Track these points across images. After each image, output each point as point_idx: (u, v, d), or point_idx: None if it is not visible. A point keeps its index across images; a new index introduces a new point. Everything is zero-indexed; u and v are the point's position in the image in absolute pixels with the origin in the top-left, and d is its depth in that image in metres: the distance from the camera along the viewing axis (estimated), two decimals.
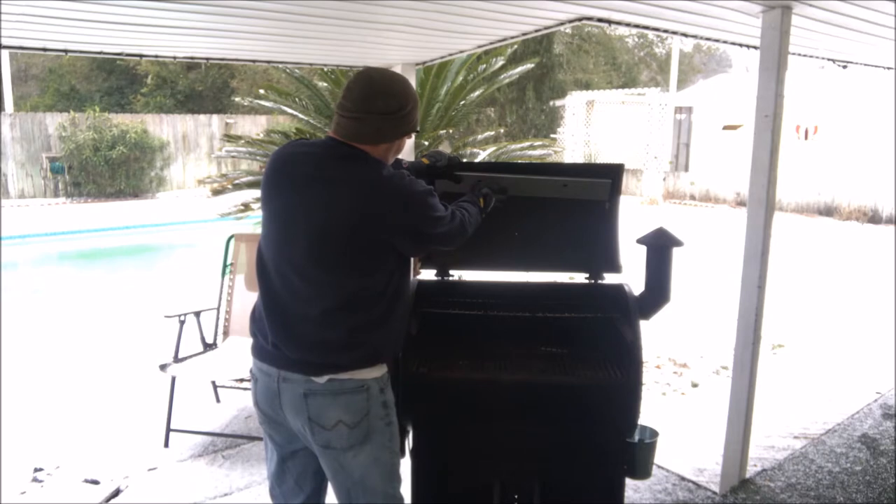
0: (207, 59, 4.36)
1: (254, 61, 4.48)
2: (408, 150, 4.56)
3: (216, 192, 6.27)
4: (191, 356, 3.69)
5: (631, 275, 2.34)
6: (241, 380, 3.54)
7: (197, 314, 3.81)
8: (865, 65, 4.88)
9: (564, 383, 2.14)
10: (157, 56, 4.03)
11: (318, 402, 1.76)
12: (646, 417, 2.32)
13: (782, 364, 4.95)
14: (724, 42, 3.79)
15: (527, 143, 6.73)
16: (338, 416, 1.76)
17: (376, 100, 1.75)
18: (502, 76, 6.51)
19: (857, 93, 13.97)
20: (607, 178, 2.39)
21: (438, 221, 1.82)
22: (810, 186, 14.50)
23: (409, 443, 2.23)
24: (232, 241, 4.10)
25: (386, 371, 1.86)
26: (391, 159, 1.87)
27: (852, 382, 4.53)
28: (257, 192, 6.02)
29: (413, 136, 1.91)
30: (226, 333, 3.97)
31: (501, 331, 2.38)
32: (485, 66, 6.09)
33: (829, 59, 4.65)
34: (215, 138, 18.36)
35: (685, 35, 3.68)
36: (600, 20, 3.17)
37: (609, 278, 2.39)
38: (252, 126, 18.08)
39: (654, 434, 2.58)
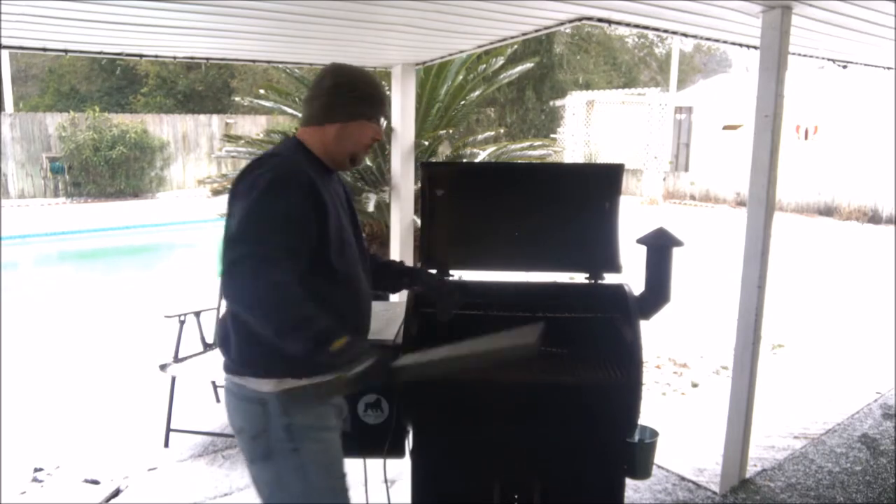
0: (207, 59, 4.36)
1: (254, 61, 4.48)
2: (407, 151, 4.56)
3: (216, 192, 6.27)
4: (191, 356, 3.69)
5: (631, 275, 2.34)
6: None
7: (197, 314, 3.81)
8: (865, 65, 4.88)
9: (564, 383, 2.13)
10: (157, 56, 4.04)
11: (228, 400, 1.73)
12: (646, 417, 2.32)
13: (782, 364, 4.95)
14: (724, 42, 3.79)
15: (527, 143, 6.73)
16: (240, 421, 1.70)
17: (326, 78, 1.75)
18: (502, 76, 6.52)
19: (857, 93, 13.98)
20: (607, 178, 2.39)
21: (236, 243, 1.53)
22: (810, 186, 14.51)
23: (409, 443, 2.23)
24: None
25: (293, 389, 1.64)
26: (342, 149, 1.74)
27: (852, 382, 4.53)
28: None
29: (370, 128, 1.75)
30: None
31: (501, 331, 2.37)
32: (485, 66, 6.09)
33: (829, 59, 4.65)
34: (215, 138, 18.37)
35: (685, 35, 3.68)
36: (600, 20, 3.17)
37: (609, 278, 2.39)
38: (252, 126, 18.09)
39: (654, 434, 2.58)
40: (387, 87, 5.62)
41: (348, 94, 1.72)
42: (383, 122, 1.82)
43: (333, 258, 1.67)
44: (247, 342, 1.65)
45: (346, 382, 1.49)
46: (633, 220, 7.38)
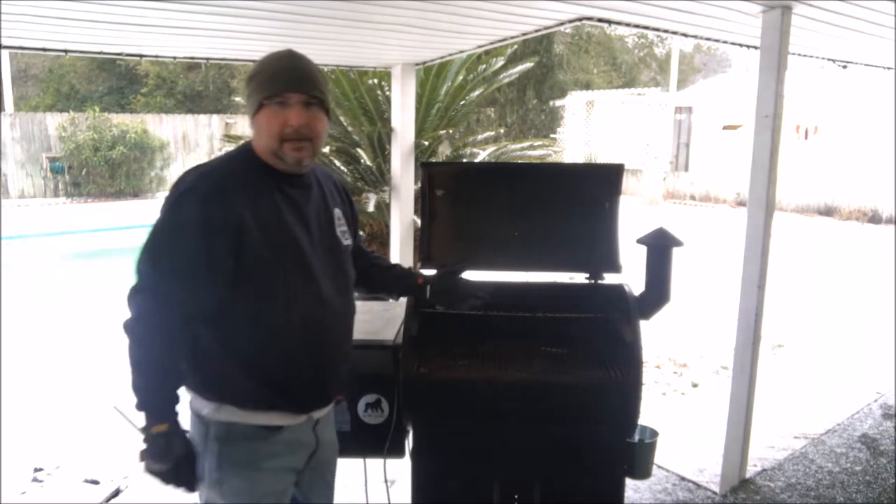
0: (207, 59, 4.36)
1: (254, 61, 4.47)
2: (407, 151, 4.56)
3: None
4: None
5: (631, 275, 2.34)
6: None
7: None
8: (865, 65, 4.88)
9: (564, 383, 2.13)
10: (157, 56, 4.04)
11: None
12: (646, 417, 2.32)
13: (782, 364, 4.95)
14: (724, 42, 3.79)
15: (527, 143, 6.74)
16: (192, 433, 1.59)
17: None
18: (502, 76, 6.52)
19: (858, 93, 13.97)
20: (607, 178, 2.40)
21: (135, 271, 1.48)
22: (810, 186, 14.50)
23: (409, 443, 2.23)
24: None
25: (232, 421, 1.55)
26: (262, 146, 1.58)
27: (852, 382, 4.53)
28: None
29: (274, 113, 1.54)
30: None
31: (501, 331, 2.38)
32: (485, 66, 6.09)
33: (829, 59, 4.65)
34: (215, 138, 18.35)
35: (685, 35, 3.68)
36: (600, 20, 3.17)
37: (609, 278, 2.39)
38: None
39: (654, 434, 2.59)
40: (387, 87, 5.63)
41: (249, 87, 1.59)
42: (299, 102, 1.53)
43: (258, 273, 1.51)
44: (192, 357, 1.54)
45: (144, 467, 1.48)
46: (633, 220, 7.38)
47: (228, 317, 1.52)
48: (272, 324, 1.55)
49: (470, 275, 2.32)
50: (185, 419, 1.55)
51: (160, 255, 1.48)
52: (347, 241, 1.75)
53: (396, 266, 2.06)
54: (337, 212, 1.73)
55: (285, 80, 1.53)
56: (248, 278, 1.50)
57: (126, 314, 1.47)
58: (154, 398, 1.48)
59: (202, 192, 1.49)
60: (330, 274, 1.64)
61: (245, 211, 1.48)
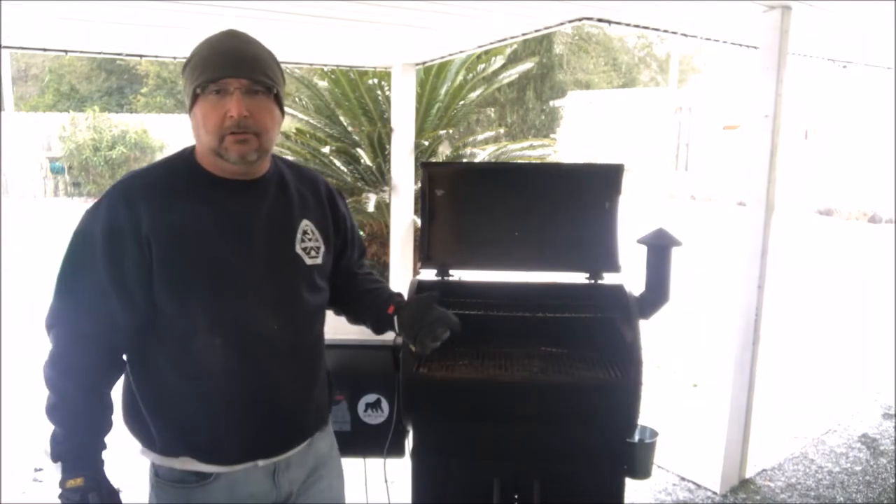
0: None
1: None
2: (407, 151, 4.56)
3: None
4: None
5: (631, 275, 2.34)
6: None
7: None
8: (865, 65, 4.88)
9: (564, 383, 2.13)
10: (157, 56, 4.04)
11: None
12: (646, 417, 2.32)
13: (782, 364, 4.95)
14: (724, 42, 3.79)
15: (527, 143, 6.74)
16: None
17: None
18: (502, 76, 6.53)
19: (857, 93, 13.98)
20: (607, 178, 2.40)
21: (55, 288, 1.30)
22: (810, 186, 14.51)
23: (409, 443, 2.23)
24: None
25: (155, 464, 1.42)
26: (201, 144, 1.34)
27: (852, 382, 4.53)
28: None
29: (210, 104, 1.27)
30: None
31: (501, 331, 2.38)
32: (485, 66, 6.10)
33: (829, 59, 4.66)
34: None
35: (685, 35, 3.69)
36: (600, 20, 3.17)
37: (609, 278, 2.39)
38: None
39: (654, 434, 2.59)
40: (387, 87, 5.63)
41: (183, 76, 1.33)
42: (240, 89, 1.25)
43: (170, 298, 1.29)
44: (127, 390, 1.40)
45: None
46: (633, 220, 7.39)
47: (142, 349, 1.34)
48: (184, 359, 1.32)
49: (470, 275, 2.32)
50: (113, 467, 1.42)
51: (68, 279, 1.29)
52: (314, 260, 1.43)
53: (375, 291, 1.65)
54: (305, 224, 1.42)
55: (223, 62, 1.25)
56: (159, 304, 1.29)
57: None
58: (69, 447, 1.32)
59: (111, 201, 1.27)
60: (275, 299, 1.36)
61: (157, 222, 1.26)
